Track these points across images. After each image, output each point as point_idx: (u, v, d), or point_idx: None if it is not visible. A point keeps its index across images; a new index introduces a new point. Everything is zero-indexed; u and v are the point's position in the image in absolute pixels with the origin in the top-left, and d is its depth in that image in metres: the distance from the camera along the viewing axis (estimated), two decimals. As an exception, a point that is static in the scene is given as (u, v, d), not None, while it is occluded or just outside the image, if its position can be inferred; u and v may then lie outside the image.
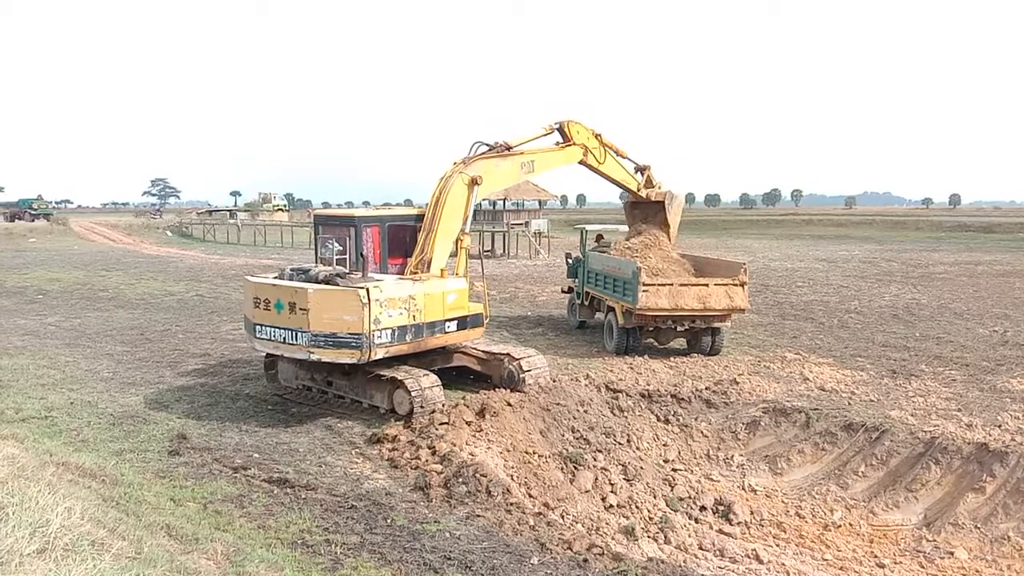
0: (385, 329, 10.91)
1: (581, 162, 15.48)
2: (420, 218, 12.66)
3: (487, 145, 13.50)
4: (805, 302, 23.63)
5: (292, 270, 11.96)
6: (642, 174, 17.42)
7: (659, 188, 17.53)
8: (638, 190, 17.33)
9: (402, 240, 12.60)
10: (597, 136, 15.64)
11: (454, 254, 12.92)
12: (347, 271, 11.66)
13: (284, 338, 11.13)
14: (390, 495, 8.58)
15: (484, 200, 43.76)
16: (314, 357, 11.02)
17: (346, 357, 10.90)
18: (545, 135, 14.84)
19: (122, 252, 46.72)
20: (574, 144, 15.16)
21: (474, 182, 12.70)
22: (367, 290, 10.69)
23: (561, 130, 15.13)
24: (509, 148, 13.72)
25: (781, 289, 26.61)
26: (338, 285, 10.98)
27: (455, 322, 12.08)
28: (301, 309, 10.84)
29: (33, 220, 68.00)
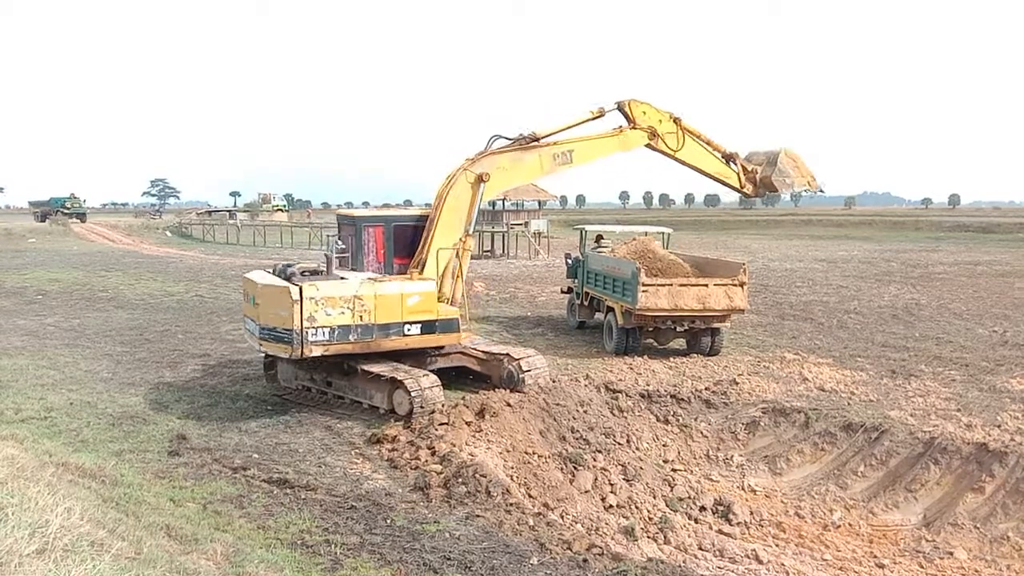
0: (322, 327, 11.08)
1: (649, 146, 13.79)
2: (426, 218, 12.61)
3: (506, 139, 12.72)
4: (804, 302, 23.64)
5: (283, 266, 12.39)
6: (734, 163, 14.81)
7: (760, 174, 14.73)
8: (741, 187, 14.94)
9: (408, 240, 12.58)
10: (675, 120, 13.83)
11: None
12: (326, 268, 12.07)
13: (252, 330, 11.98)
14: (390, 495, 8.58)
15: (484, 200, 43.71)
16: (260, 349, 11.78)
17: (282, 351, 11.26)
18: (592, 119, 13.34)
19: (122, 252, 46.69)
20: (637, 127, 13.54)
21: (480, 180, 12.34)
22: (300, 288, 10.97)
23: (622, 111, 13.58)
24: (537, 139, 12.77)
25: (780, 289, 26.62)
26: (289, 282, 11.37)
27: (419, 325, 11.78)
28: (256, 303, 11.59)
29: (67, 218, 62.22)
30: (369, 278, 11.78)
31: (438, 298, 12.29)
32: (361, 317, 11.31)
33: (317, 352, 11.20)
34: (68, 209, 65.26)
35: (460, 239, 12.48)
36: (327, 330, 11.12)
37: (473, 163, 12.48)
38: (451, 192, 12.24)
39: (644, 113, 13.65)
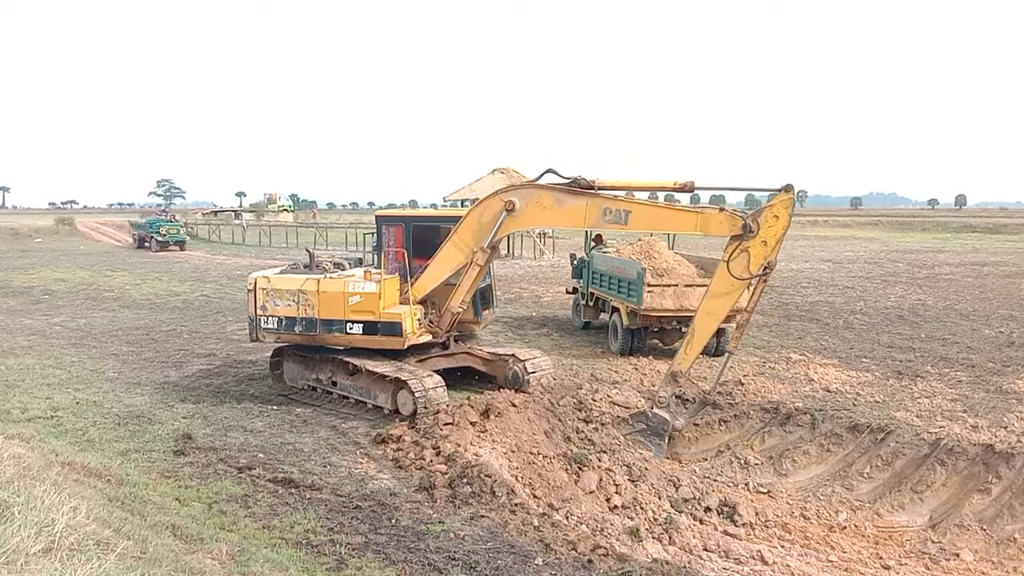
0: (272, 316, 12.00)
1: (735, 237, 10.51)
2: (450, 220, 12.43)
3: (561, 176, 11.27)
4: (810, 303, 23.58)
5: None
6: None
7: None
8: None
9: (428, 241, 12.48)
10: (768, 265, 10.50)
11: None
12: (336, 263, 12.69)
13: None
14: (395, 495, 8.59)
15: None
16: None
17: (248, 338, 12.53)
18: (672, 189, 11.07)
19: (127, 252, 46.82)
20: (744, 220, 10.27)
21: (505, 208, 11.44)
22: (255, 279, 12.18)
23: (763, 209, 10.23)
24: (592, 187, 11.05)
25: (786, 290, 26.55)
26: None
27: (360, 325, 11.79)
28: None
29: (162, 248, 48.05)
30: (309, 273, 12.25)
31: (437, 306, 12.31)
32: (304, 311, 11.84)
33: (270, 340, 12.32)
34: (163, 236, 48.96)
35: (472, 251, 11.85)
36: (276, 319, 12.02)
37: (510, 190, 11.71)
38: (475, 210, 11.79)
39: (777, 218, 10.17)
